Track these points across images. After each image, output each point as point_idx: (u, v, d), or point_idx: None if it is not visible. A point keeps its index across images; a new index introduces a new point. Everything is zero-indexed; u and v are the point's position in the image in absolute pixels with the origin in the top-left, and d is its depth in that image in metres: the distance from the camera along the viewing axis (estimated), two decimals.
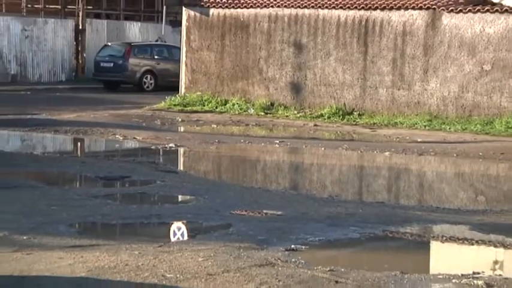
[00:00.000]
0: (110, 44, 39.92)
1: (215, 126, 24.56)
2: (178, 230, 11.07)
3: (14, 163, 16.67)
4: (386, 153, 19.31)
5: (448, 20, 25.33)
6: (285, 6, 28.37)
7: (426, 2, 26.13)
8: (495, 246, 10.38)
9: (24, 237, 9.54)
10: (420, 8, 25.92)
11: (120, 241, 9.66)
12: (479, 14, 24.96)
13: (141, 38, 42.35)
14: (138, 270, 8.24)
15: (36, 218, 10.76)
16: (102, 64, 38.24)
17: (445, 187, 15.75)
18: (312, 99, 27.45)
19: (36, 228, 10.09)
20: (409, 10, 26.12)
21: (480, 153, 19.10)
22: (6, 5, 45.34)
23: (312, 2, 28.20)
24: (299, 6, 28.12)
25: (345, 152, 19.71)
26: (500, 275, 8.93)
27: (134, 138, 21.22)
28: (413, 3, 26.35)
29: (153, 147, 20.08)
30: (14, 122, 22.93)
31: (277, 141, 20.98)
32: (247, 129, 23.88)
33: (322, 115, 26.28)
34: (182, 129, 24.12)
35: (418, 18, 25.86)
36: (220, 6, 29.59)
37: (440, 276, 8.66)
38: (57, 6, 44.66)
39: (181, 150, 19.77)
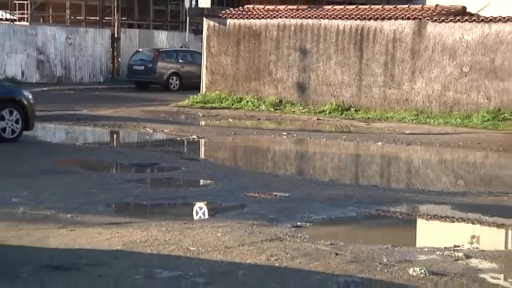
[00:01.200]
0: (141, 50, 39.89)
1: (231, 120, 24.52)
2: (200, 209, 11.08)
3: (60, 152, 16.71)
4: (379, 143, 19.29)
5: (432, 28, 25.26)
6: (292, 17, 28.39)
7: (413, 13, 26.19)
8: (473, 223, 10.36)
9: (69, 216, 9.58)
10: (408, 18, 25.91)
11: (150, 219, 9.69)
12: (459, 23, 24.94)
13: (167, 45, 42.28)
14: (165, 244, 8.26)
15: (78, 199, 10.79)
16: (134, 67, 38.29)
17: (430, 172, 15.71)
18: (315, 97, 27.42)
19: (79, 208, 10.11)
20: (399, 20, 26.07)
21: (460, 143, 19.07)
22: (52, 16, 45.29)
23: (315, 13, 28.29)
24: (304, 17, 28.15)
25: (343, 142, 19.67)
26: (477, 247, 8.93)
27: (162, 130, 21.23)
28: (402, 14, 26.37)
29: (178, 138, 20.09)
30: (59, 117, 22.94)
31: (285, 133, 20.96)
32: (259, 123, 23.86)
33: (323, 111, 26.27)
34: (203, 123, 24.09)
35: (406, 27, 25.79)
36: (236, 17, 29.62)
37: (426, 249, 8.66)
38: (96, 18, 44.57)
39: (202, 141, 19.76)
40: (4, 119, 16.53)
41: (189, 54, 38.77)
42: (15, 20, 42.51)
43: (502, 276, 7.56)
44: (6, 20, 42.11)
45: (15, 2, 43.64)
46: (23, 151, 15.80)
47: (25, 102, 16.99)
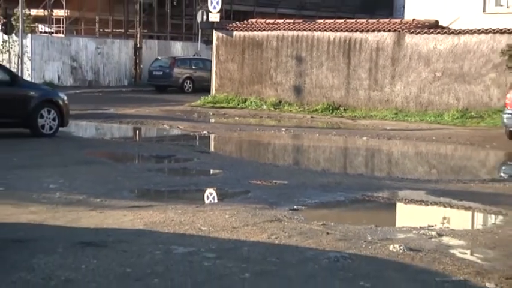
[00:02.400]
0: (159, 57, 39.88)
1: (237, 118, 24.51)
2: (210, 194, 11.09)
3: (91, 146, 16.72)
4: (364, 138, 19.27)
5: (410, 39, 25.24)
6: (289, 29, 28.40)
7: (394, 26, 26.20)
8: (444, 206, 10.34)
9: (98, 200, 9.58)
10: (389, 31, 25.90)
11: (167, 203, 9.69)
12: (432, 35, 24.96)
13: (182, 53, 42.27)
14: (181, 224, 8.27)
15: (106, 185, 10.80)
16: (154, 73, 38.33)
17: (408, 163, 15.69)
18: (309, 98, 27.39)
19: (106, 193, 10.12)
20: (381, 32, 26.05)
21: (433, 138, 19.06)
22: (84, 29, 45.35)
23: (309, 26, 28.34)
24: (299, 29, 28.18)
25: (333, 137, 19.66)
26: (448, 227, 8.93)
27: (178, 127, 21.23)
28: (384, 27, 26.38)
29: (191, 133, 20.11)
30: (90, 116, 22.96)
31: (284, 129, 20.94)
32: (261, 121, 23.85)
33: (316, 110, 26.25)
34: (213, 120, 24.08)
35: (387, 38, 25.77)
36: (241, 30, 29.61)
37: (404, 229, 8.66)
38: (121, 30, 44.61)
39: (212, 136, 19.76)
40: (43, 117, 16.57)
41: (201, 61, 38.76)
42: (52, 33, 42.67)
43: (468, 251, 7.56)
44: (45, 32, 42.24)
45: (52, 17, 43.81)
46: (59, 145, 15.83)
47: (61, 102, 17.03)
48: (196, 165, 14.21)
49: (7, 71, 17.67)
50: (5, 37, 36.08)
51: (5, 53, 35.22)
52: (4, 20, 35.40)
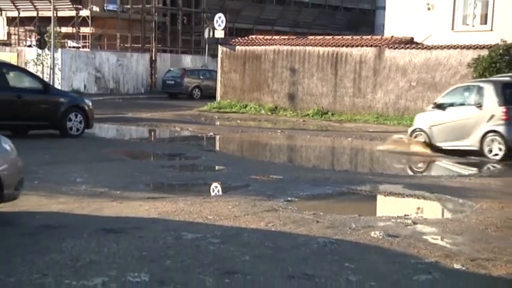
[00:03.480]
0: (172, 69, 39.88)
1: (239, 121, 24.48)
2: (215, 187, 11.07)
3: (112, 145, 16.71)
4: (349, 139, 19.28)
5: (389, 53, 25.27)
6: (284, 44, 28.42)
7: (375, 42, 26.33)
8: (418, 198, 10.34)
9: (118, 192, 9.58)
10: (371, 46, 25.95)
11: (178, 195, 9.68)
12: (408, 49, 25.04)
13: (191, 65, 42.25)
14: (190, 213, 8.27)
15: (125, 179, 10.80)
16: (167, 82, 38.34)
17: (387, 160, 15.67)
18: (301, 104, 27.40)
19: (125, 186, 10.12)
20: (364, 47, 26.10)
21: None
22: (107, 44, 45.35)
23: (301, 42, 28.47)
24: (293, 44, 28.23)
25: (322, 138, 19.68)
26: (421, 216, 8.96)
27: (187, 129, 21.23)
28: (366, 42, 26.50)
29: (199, 135, 20.09)
30: (111, 119, 22.95)
31: (279, 131, 20.94)
32: (260, 123, 23.83)
33: (308, 114, 26.26)
34: (218, 123, 24.07)
35: (369, 52, 25.78)
36: (242, 45, 29.67)
37: (384, 217, 8.67)
38: (138, 45, 44.64)
39: (217, 137, 19.75)
40: (71, 120, 16.59)
41: (208, 72, 38.71)
42: (79, 47, 42.78)
43: (439, 237, 7.56)
44: (73, 47, 42.32)
45: (80, 34, 43.91)
46: (84, 144, 15.83)
47: (86, 108, 17.03)
48: (204, 162, 14.23)
49: (41, 80, 17.71)
50: (39, 51, 36.30)
51: (39, 65, 35.32)
52: (38, 37, 35.74)
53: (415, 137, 17.09)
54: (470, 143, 15.51)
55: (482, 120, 15.37)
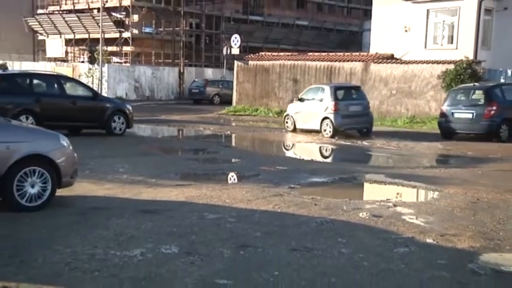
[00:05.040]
0: (196, 79, 39.87)
1: (251, 122, 24.42)
2: (232, 176, 11.06)
3: (147, 142, 16.77)
4: (340, 135, 19.17)
5: (374, 67, 25.22)
6: (288, 60, 28.47)
7: (362, 57, 26.35)
8: (397, 185, 10.31)
9: (153, 180, 9.61)
10: (359, 61, 25.92)
11: (201, 182, 9.69)
12: (389, 64, 25.03)
13: (212, 77, 42.22)
14: (211, 197, 8.28)
15: (158, 170, 10.83)
16: (192, 90, 38.32)
17: (372, 153, 15.61)
18: None
19: (159, 175, 10.15)
20: (353, 62, 26.09)
21: (389, 135, 18.94)
22: (144, 60, 45.48)
23: (302, 57, 28.52)
24: (295, 60, 28.25)
25: (320, 136, 19.60)
26: (400, 200, 8.91)
27: (209, 128, 21.21)
28: (355, 58, 26.58)
29: (218, 133, 20.08)
30: (147, 120, 23.01)
31: (284, 131, 20.87)
32: (268, 124, 23.72)
33: None
34: (233, 124, 23.99)
35: (358, 66, 25.74)
36: (254, 60, 29.75)
37: (370, 201, 8.66)
38: (169, 60, 44.70)
39: (233, 135, 19.74)
40: (115, 122, 16.67)
41: (226, 82, 38.64)
42: (122, 63, 42.87)
43: (415, 217, 7.53)
44: (117, 62, 42.46)
45: (122, 52, 44.06)
46: (126, 141, 15.87)
47: (127, 111, 17.09)
48: (222, 156, 14.22)
49: (91, 89, 17.78)
50: (90, 66, 36.78)
51: (90, 77, 35.60)
52: (89, 54, 36.13)
53: (286, 121, 20.42)
54: (315, 125, 18.78)
55: (322, 110, 18.50)
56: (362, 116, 19.06)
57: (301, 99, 19.68)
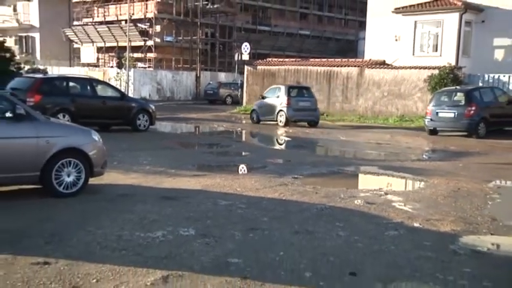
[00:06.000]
0: (211, 82, 39.85)
1: None
2: (242, 168, 11.05)
3: (169, 137, 16.76)
4: (338, 132, 19.13)
5: (368, 71, 25.12)
6: (292, 65, 28.35)
7: (358, 63, 26.23)
8: (388, 176, 10.27)
9: (173, 171, 9.62)
10: (355, 66, 25.80)
11: (215, 173, 9.69)
12: (382, 69, 24.89)
13: (225, 80, 42.15)
14: (224, 186, 8.28)
15: (178, 162, 10.83)
16: (207, 91, 38.26)
17: (366, 148, 15.57)
18: None
19: (178, 166, 10.16)
20: (350, 67, 25.96)
21: (381, 132, 18.88)
22: (165, 65, 45.43)
23: (305, 63, 28.41)
24: (298, 65, 28.15)
25: (319, 132, 19.53)
26: (391, 189, 8.89)
27: (222, 126, 21.18)
28: (351, 63, 26.44)
29: (230, 130, 20.06)
30: (168, 118, 23.02)
31: (288, 127, 20.84)
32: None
33: None
34: (244, 122, 23.92)
35: (354, 70, 25.63)
36: (262, 65, 29.65)
37: (364, 190, 8.63)
38: (187, 66, 44.69)
39: (243, 131, 19.73)
40: (140, 119, 16.72)
41: (237, 84, 38.56)
42: (145, 67, 42.95)
43: (403, 204, 7.51)
44: (142, 67, 42.52)
45: (146, 58, 44.12)
46: (149, 137, 15.90)
47: (150, 110, 17.12)
48: (233, 150, 14.22)
49: (119, 91, 17.79)
50: (118, 70, 36.87)
51: (118, 80, 35.64)
52: (118, 60, 36.16)
53: (252, 115, 21.96)
54: (273, 117, 20.72)
55: (278, 105, 20.48)
56: (310, 110, 20.89)
57: (263, 97, 21.64)
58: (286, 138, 17.41)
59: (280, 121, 20.43)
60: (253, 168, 10.72)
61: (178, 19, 45.86)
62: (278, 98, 20.55)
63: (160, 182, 8.48)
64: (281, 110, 20.38)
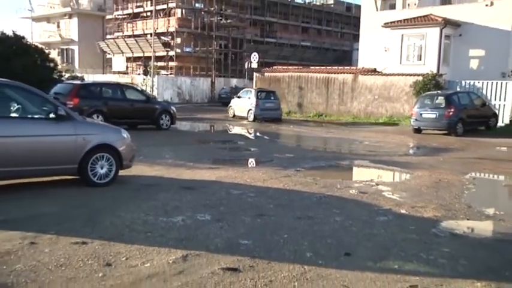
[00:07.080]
0: (224, 87, 39.75)
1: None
2: (251, 161, 11.03)
3: (187, 135, 16.76)
4: (335, 131, 19.04)
5: (361, 78, 24.98)
6: (295, 72, 28.21)
7: (352, 70, 26.08)
8: (379, 169, 10.22)
9: (191, 164, 9.62)
10: (350, 73, 25.64)
11: (228, 166, 9.67)
12: (373, 75, 24.71)
13: (237, 85, 42.07)
14: (235, 177, 8.27)
15: (195, 156, 10.83)
16: (221, 95, 38.03)
17: (360, 144, 15.50)
18: (306, 109, 27.19)
19: (195, 160, 10.16)
20: (345, 74, 25.79)
21: (373, 131, 18.78)
22: (185, 72, 45.46)
23: (306, 70, 28.19)
24: (301, 72, 28.00)
25: (319, 130, 19.47)
26: (381, 180, 8.83)
27: (233, 125, 21.18)
28: (347, 71, 26.26)
29: (241, 128, 20.04)
30: (187, 118, 23.02)
31: (291, 126, 20.80)
32: (279, 122, 23.70)
33: (310, 116, 26.03)
34: (245, 122, 23.98)
35: (349, 77, 25.49)
36: (269, 72, 29.55)
37: (357, 181, 8.58)
38: (204, 73, 44.73)
39: (252, 130, 19.68)
40: (163, 119, 16.76)
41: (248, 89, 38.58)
42: (168, 74, 42.95)
43: (392, 193, 7.47)
44: (164, 74, 42.56)
45: (168, 66, 44.14)
46: (171, 134, 15.92)
47: (172, 111, 17.14)
48: (244, 146, 14.16)
49: (145, 94, 17.83)
50: (144, 77, 36.94)
51: (144, 85, 35.71)
52: (144, 68, 36.23)
53: (229, 111, 23.73)
54: (245, 113, 22.25)
55: (249, 104, 22.16)
56: (274, 110, 22.51)
57: (239, 97, 23.53)
58: (286, 133, 17.33)
59: (250, 117, 22.06)
60: (261, 162, 10.67)
61: (196, 32, 45.95)
62: (249, 99, 22.27)
63: (180, 174, 8.49)
64: (251, 109, 22.09)
